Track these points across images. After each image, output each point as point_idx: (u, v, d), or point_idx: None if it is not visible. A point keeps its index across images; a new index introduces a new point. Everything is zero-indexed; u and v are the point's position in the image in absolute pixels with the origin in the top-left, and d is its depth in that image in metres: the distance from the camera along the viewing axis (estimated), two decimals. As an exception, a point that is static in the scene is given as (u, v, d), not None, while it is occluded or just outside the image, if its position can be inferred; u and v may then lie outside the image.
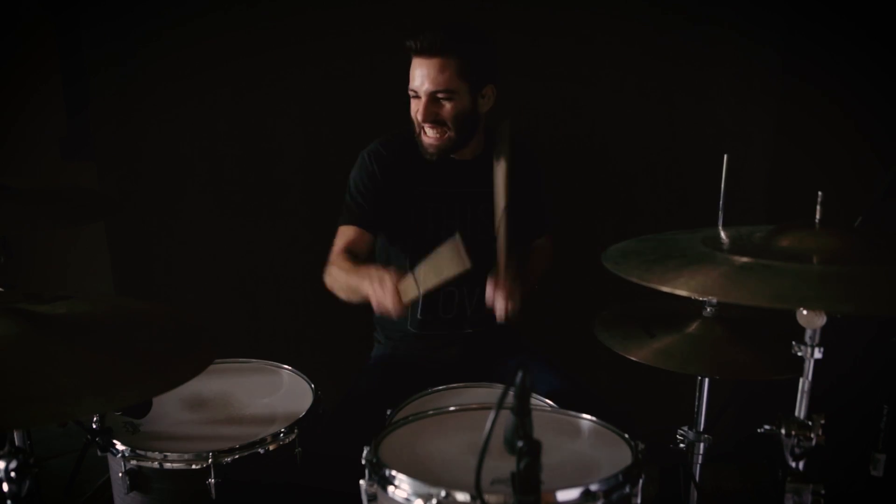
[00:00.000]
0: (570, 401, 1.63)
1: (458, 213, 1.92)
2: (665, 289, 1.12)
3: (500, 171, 1.79)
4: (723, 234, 1.44)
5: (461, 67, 1.77)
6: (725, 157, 1.71)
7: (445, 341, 1.98)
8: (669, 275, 1.15)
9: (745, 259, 1.16)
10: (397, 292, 1.62)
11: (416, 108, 1.83)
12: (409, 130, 1.91)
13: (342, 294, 1.80)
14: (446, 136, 1.83)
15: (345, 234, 1.92)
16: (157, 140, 2.44)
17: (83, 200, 1.87)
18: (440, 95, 1.79)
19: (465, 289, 1.94)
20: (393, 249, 1.98)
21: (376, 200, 1.92)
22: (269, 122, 2.44)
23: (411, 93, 1.83)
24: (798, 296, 1.07)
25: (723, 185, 1.71)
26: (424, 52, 1.77)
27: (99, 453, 1.56)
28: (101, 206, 1.94)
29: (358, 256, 1.88)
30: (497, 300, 1.75)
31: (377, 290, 1.64)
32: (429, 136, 1.84)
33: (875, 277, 1.10)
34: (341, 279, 1.80)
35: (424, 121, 1.82)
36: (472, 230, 1.92)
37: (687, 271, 1.16)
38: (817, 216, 1.24)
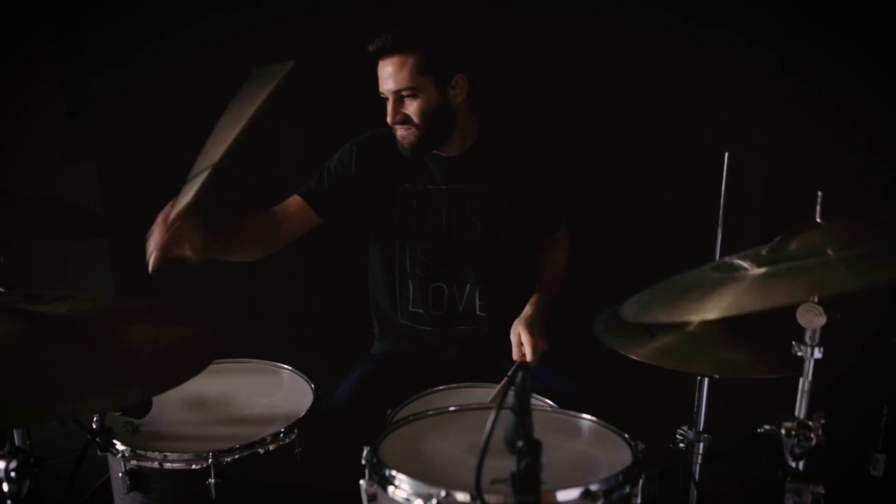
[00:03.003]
0: (573, 401, 1.62)
1: (444, 210, 1.92)
2: (698, 317, 1.09)
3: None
4: (735, 261, 1.41)
5: (421, 62, 1.75)
6: (727, 155, 1.70)
7: (442, 341, 1.98)
8: (696, 304, 1.13)
9: (763, 269, 1.14)
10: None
11: (388, 111, 1.82)
12: None
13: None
14: (412, 132, 1.81)
15: (289, 202, 1.92)
16: (157, 140, 2.44)
17: (85, 219, 1.89)
18: (404, 94, 1.77)
19: (454, 286, 1.94)
20: (380, 244, 1.99)
21: (338, 191, 1.92)
22: (268, 123, 2.43)
23: (382, 96, 1.82)
24: (832, 281, 1.04)
25: (723, 185, 1.71)
26: (382, 53, 1.76)
27: (99, 453, 1.56)
28: (103, 226, 1.96)
29: (281, 223, 1.89)
30: (527, 349, 1.76)
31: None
32: (398, 134, 1.84)
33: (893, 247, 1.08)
34: None
35: (393, 123, 1.81)
36: (458, 228, 1.92)
37: (713, 295, 1.13)
38: (817, 216, 1.24)
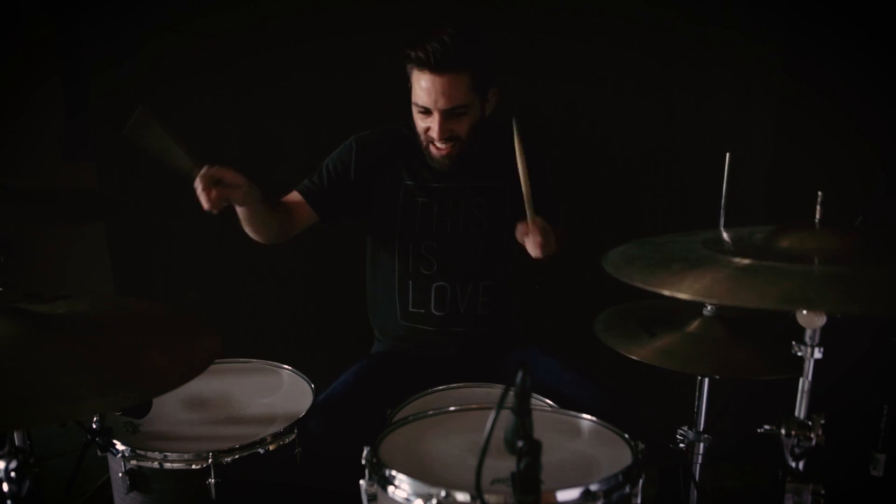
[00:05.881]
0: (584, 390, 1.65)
1: (450, 208, 1.91)
2: (670, 293, 1.10)
3: (519, 163, 1.69)
4: (724, 236, 1.43)
5: (472, 81, 1.73)
6: (728, 155, 1.70)
7: (442, 341, 1.97)
8: (674, 279, 1.14)
9: (747, 261, 1.15)
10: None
11: (427, 125, 1.78)
12: (402, 125, 1.90)
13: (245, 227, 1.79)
14: (456, 147, 1.80)
15: (290, 197, 1.90)
16: (157, 140, 2.44)
17: (83, 200, 1.87)
18: (456, 111, 1.75)
19: (457, 285, 1.94)
20: (381, 244, 1.98)
21: (338, 190, 1.89)
22: (269, 123, 2.44)
23: (418, 108, 1.77)
24: (804, 297, 1.06)
25: (724, 185, 1.71)
26: (436, 69, 1.69)
27: (99, 453, 1.56)
28: (101, 206, 1.94)
29: (286, 218, 1.86)
30: (532, 236, 1.71)
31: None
32: (440, 148, 1.80)
33: (878, 277, 1.09)
34: None
35: (441, 139, 1.77)
36: (464, 225, 1.92)
37: (691, 274, 1.14)
38: (817, 216, 1.24)
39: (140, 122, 1.57)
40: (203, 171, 1.59)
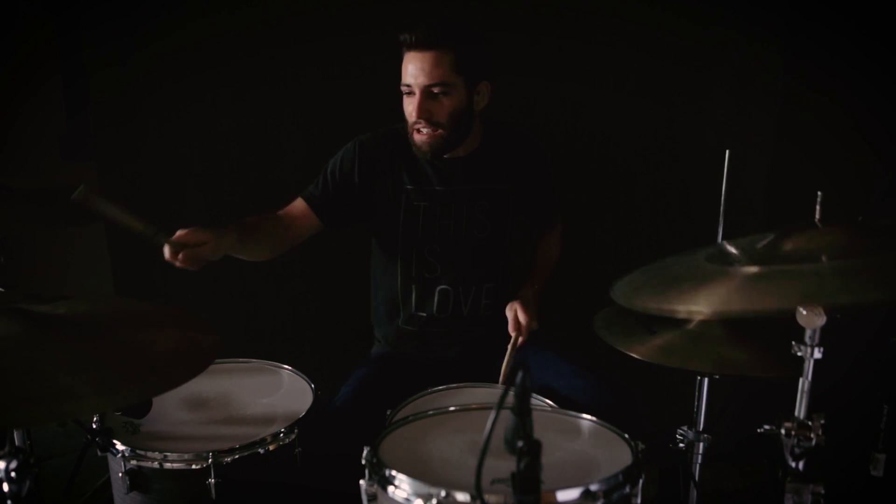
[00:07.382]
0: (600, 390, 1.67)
1: (454, 211, 1.91)
2: (686, 310, 1.08)
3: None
4: (727, 247, 1.42)
5: (456, 61, 1.74)
6: (728, 152, 1.70)
7: (444, 342, 1.98)
8: (687, 296, 1.12)
9: (756, 269, 1.13)
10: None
11: (411, 106, 1.78)
12: (403, 127, 1.90)
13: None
14: (438, 132, 1.79)
15: (294, 205, 1.91)
16: (157, 140, 2.44)
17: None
18: (436, 90, 1.75)
19: (460, 288, 1.94)
20: (384, 248, 1.98)
21: (341, 196, 1.90)
22: (269, 122, 2.44)
23: (404, 88, 1.79)
24: (823, 292, 1.05)
25: (724, 182, 1.70)
26: (419, 46, 1.73)
27: (99, 453, 1.56)
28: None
29: (288, 227, 1.87)
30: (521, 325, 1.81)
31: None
32: (421, 133, 1.80)
33: (888, 264, 1.07)
34: None
35: (419, 117, 1.77)
36: (467, 228, 1.92)
37: (704, 290, 1.12)
38: (817, 216, 1.24)
39: (86, 196, 1.46)
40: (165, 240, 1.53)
